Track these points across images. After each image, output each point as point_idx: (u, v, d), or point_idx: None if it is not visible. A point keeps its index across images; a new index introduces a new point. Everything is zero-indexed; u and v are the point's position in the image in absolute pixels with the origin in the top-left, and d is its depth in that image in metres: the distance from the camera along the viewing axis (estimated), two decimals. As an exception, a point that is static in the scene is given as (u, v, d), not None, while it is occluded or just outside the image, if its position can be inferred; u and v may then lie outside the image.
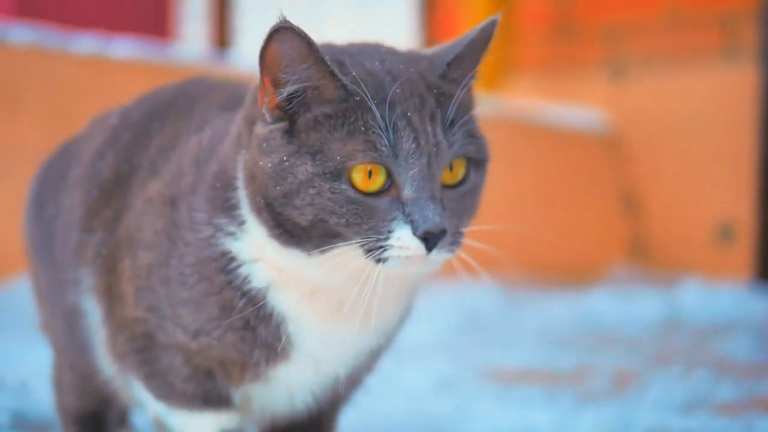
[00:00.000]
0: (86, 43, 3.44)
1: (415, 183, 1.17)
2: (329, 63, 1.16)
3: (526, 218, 4.93)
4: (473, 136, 1.23)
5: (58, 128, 3.31)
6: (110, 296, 1.39)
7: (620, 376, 2.41)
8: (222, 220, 1.27)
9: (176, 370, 1.34)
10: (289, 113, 1.19)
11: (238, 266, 1.27)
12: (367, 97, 1.17)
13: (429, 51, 1.30)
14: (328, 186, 1.17)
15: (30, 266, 1.63)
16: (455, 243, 1.21)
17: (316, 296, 1.27)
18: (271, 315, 1.27)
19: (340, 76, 1.17)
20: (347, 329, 1.28)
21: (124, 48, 3.53)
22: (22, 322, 2.78)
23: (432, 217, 1.16)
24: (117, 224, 1.39)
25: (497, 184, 4.85)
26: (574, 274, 4.84)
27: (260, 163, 1.20)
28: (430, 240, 1.16)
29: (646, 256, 5.19)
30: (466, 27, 5.34)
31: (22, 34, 3.30)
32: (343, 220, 1.17)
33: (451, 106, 1.20)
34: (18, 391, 2.16)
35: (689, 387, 2.24)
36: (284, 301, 1.27)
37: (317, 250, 1.19)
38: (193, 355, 1.32)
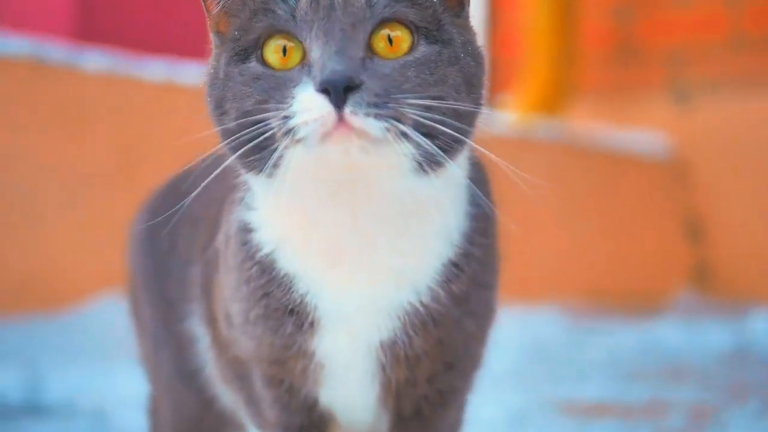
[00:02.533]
0: (156, 69, 3.47)
1: (318, 41, 1.07)
2: None
3: (587, 244, 4.89)
4: (419, 5, 1.12)
5: (127, 154, 3.34)
6: (212, 324, 1.39)
7: (697, 411, 2.37)
8: (242, 194, 1.26)
9: (261, 391, 1.32)
10: (226, 29, 1.17)
11: (252, 236, 1.24)
12: None
13: None
14: (237, 70, 1.12)
15: (131, 296, 1.64)
16: (385, 106, 1.06)
17: (314, 243, 1.20)
18: (283, 278, 1.23)
19: None
20: (357, 276, 1.21)
21: (192, 73, 3.55)
22: (96, 347, 2.82)
23: (332, 66, 1.04)
24: (209, 248, 1.40)
25: (558, 209, 4.87)
26: (637, 301, 4.80)
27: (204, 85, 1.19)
28: (332, 92, 1.04)
29: (711, 283, 5.13)
30: (528, 47, 5.34)
31: (94, 59, 3.34)
32: (252, 101, 1.10)
33: None
34: (94, 417, 2.19)
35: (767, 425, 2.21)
36: (290, 260, 1.22)
37: (266, 165, 1.11)
38: (258, 361, 1.30)
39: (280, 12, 1.10)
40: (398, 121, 1.07)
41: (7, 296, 3.11)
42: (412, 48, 1.10)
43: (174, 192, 1.58)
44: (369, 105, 1.05)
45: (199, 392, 1.48)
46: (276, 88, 1.09)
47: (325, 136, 1.06)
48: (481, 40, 1.25)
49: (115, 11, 3.72)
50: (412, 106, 1.08)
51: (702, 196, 5.19)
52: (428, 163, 1.12)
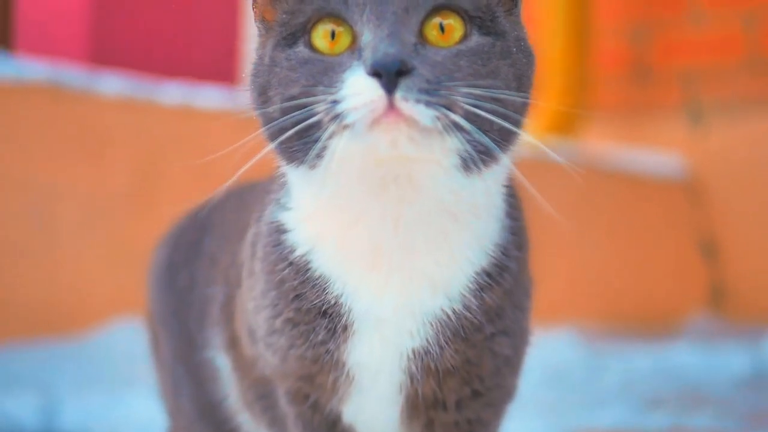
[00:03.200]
0: (173, 93, 3.47)
1: (370, 24, 1.05)
2: None
3: (602, 265, 4.88)
4: None
5: (144, 178, 3.35)
6: (234, 345, 1.38)
7: (717, 440, 2.37)
8: (278, 195, 1.25)
9: (285, 408, 1.31)
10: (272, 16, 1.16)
11: (286, 237, 1.23)
12: None
13: None
14: (284, 55, 1.11)
15: (150, 333, 1.64)
16: (436, 93, 1.04)
17: (353, 242, 1.18)
18: (317, 279, 1.21)
19: None
20: (393, 279, 1.19)
21: (209, 97, 3.56)
22: (112, 373, 2.81)
23: (384, 48, 1.03)
24: (232, 268, 1.39)
25: (573, 230, 4.82)
26: (653, 322, 4.77)
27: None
28: (384, 76, 1.02)
29: (727, 305, 5.10)
30: (543, 68, 5.33)
31: (110, 83, 3.35)
32: (299, 86, 1.08)
33: None
34: (110, 446, 2.18)
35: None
36: (325, 260, 1.21)
37: (309, 154, 1.09)
38: (282, 376, 1.28)
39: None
40: (449, 109, 1.05)
41: (23, 321, 3.11)
42: (464, 37, 1.09)
43: (193, 226, 1.59)
44: (420, 91, 1.03)
45: (220, 426, 1.48)
46: (324, 72, 1.07)
47: (374, 123, 1.04)
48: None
49: (131, 35, 3.73)
50: (463, 95, 1.06)
51: (717, 216, 5.17)
52: (474, 160, 1.11)
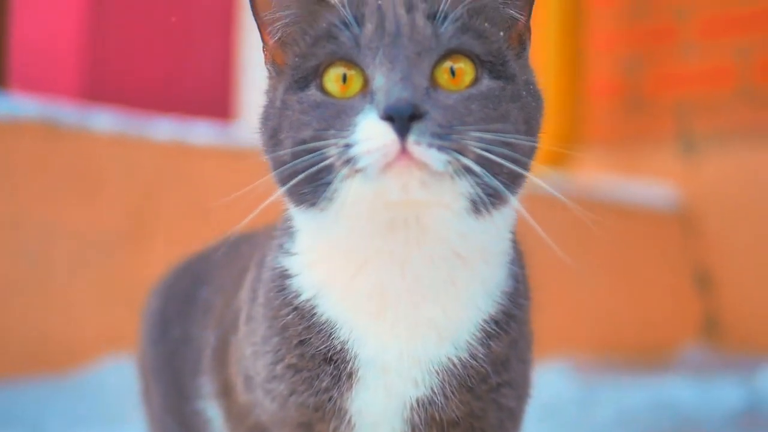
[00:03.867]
0: (165, 129, 3.47)
1: (383, 67, 1.06)
2: None
3: (595, 296, 4.87)
4: (485, 38, 1.12)
5: (137, 215, 3.34)
6: (227, 393, 1.38)
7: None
8: (282, 240, 1.24)
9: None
10: (283, 57, 1.17)
11: (290, 282, 1.23)
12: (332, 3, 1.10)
13: None
14: (296, 98, 1.11)
15: (142, 383, 1.63)
16: (447, 137, 1.05)
17: (360, 287, 1.18)
18: (323, 324, 1.21)
19: None
20: (401, 325, 1.19)
21: (201, 133, 3.56)
22: (104, 410, 2.80)
23: (398, 92, 1.03)
24: (227, 312, 1.39)
25: (566, 261, 4.80)
26: (647, 353, 4.77)
27: (258, 118, 1.19)
28: (397, 120, 1.02)
29: (720, 336, 5.10)
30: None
31: (103, 120, 3.34)
32: (310, 129, 1.08)
33: (443, 2, 1.09)
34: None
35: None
36: (331, 305, 1.21)
37: (321, 197, 1.10)
38: (281, 423, 1.27)
39: (343, 39, 1.09)
40: (461, 154, 1.06)
41: (16, 359, 3.10)
42: (475, 81, 1.10)
43: (186, 276, 1.58)
44: (433, 135, 1.04)
45: None
46: (336, 116, 1.07)
47: (387, 167, 1.04)
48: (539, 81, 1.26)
49: (125, 71, 3.74)
50: (474, 140, 1.07)
51: (711, 247, 5.17)
52: (484, 203, 1.12)
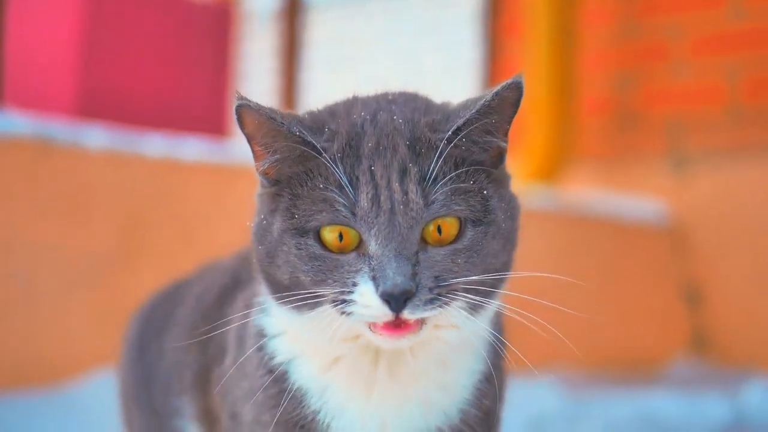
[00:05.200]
0: (157, 145, 3.50)
1: (379, 239, 1.11)
2: (295, 128, 1.15)
3: (585, 310, 4.88)
4: (469, 193, 1.17)
5: (128, 232, 3.35)
6: (208, 418, 1.40)
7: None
8: (260, 298, 1.27)
9: None
10: (276, 177, 1.20)
11: (267, 342, 1.26)
12: (324, 156, 1.14)
13: (452, 105, 1.25)
14: (294, 242, 1.15)
15: (123, 410, 1.65)
16: (437, 299, 1.13)
17: (336, 368, 1.22)
18: (293, 390, 1.24)
19: (309, 137, 1.15)
20: (382, 404, 1.23)
21: (193, 149, 3.57)
22: (92, 426, 2.81)
23: (393, 277, 1.10)
24: (210, 340, 1.41)
25: (555, 276, 4.77)
26: (635, 368, 4.79)
27: (252, 224, 1.22)
28: (392, 302, 1.10)
29: (709, 350, 5.12)
30: (527, 115, 5.39)
31: (95, 136, 3.36)
32: (309, 277, 1.14)
33: (433, 162, 1.14)
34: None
35: None
36: (304, 374, 1.24)
37: (305, 308, 1.16)
38: None
39: (339, 207, 1.13)
40: (448, 304, 1.14)
41: (6, 374, 3.10)
42: (459, 234, 1.16)
43: (163, 301, 1.61)
44: (425, 303, 1.12)
45: None
46: (335, 269, 1.13)
47: (377, 327, 1.12)
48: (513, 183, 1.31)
49: (118, 88, 3.76)
50: (461, 289, 1.15)
51: (700, 263, 5.20)
52: (468, 318, 1.20)
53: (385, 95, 1.27)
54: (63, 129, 3.29)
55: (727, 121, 5.16)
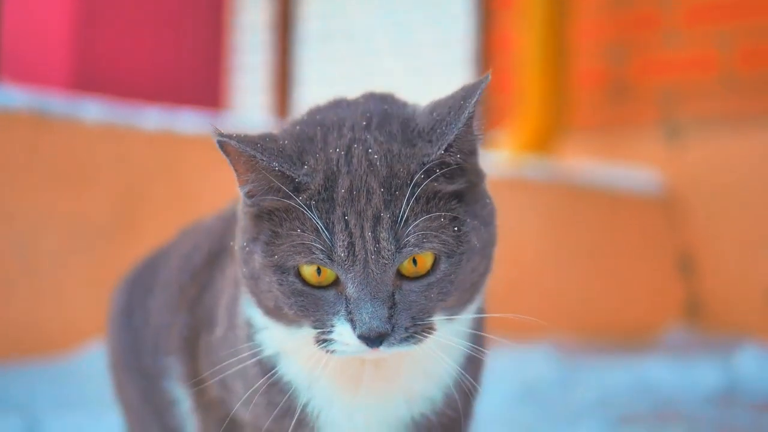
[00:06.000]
0: (153, 118, 3.51)
1: (354, 284, 1.15)
2: (275, 163, 1.17)
3: (580, 280, 4.92)
4: (441, 228, 1.18)
5: (125, 204, 3.38)
6: (195, 382, 1.42)
7: (685, 457, 2.41)
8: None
9: None
10: (257, 202, 1.22)
11: (255, 334, 1.29)
12: (299, 203, 1.16)
13: (426, 120, 1.23)
14: (276, 278, 1.18)
15: (115, 380, 1.67)
16: (413, 336, 1.17)
17: (322, 365, 1.24)
18: (283, 383, 1.28)
19: (289, 172, 1.17)
20: (363, 397, 1.27)
21: (189, 122, 3.59)
22: (91, 394, 2.83)
23: (369, 321, 1.13)
24: (199, 303, 1.43)
25: (550, 246, 4.85)
26: (629, 336, 4.83)
27: (236, 241, 1.25)
28: (369, 341, 1.14)
29: (702, 318, 5.16)
30: (521, 86, 5.40)
31: (92, 110, 3.38)
32: (293, 310, 1.18)
33: (404, 204, 1.15)
34: (91, 467, 2.21)
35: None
36: (292, 369, 1.27)
37: (292, 327, 1.21)
38: (254, 428, 1.33)
39: (317, 252, 1.15)
40: (425, 338, 1.18)
41: (6, 344, 3.14)
42: (434, 266, 1.18)
43: (147, 266, 1.63)
44: (401, 341, 1.16)
45: None
46: (315, 304, 1.17)
47: (361, 354, 1.18)
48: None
49: (114, 61, 3.77)
50: (437, 321, 1.19)
51: (693, 231, 5.23)
52: (459, 309, 1.25)
53: (361, 115, 1.25)
54: (60, 102, 3.31)
55: (720, 90, 5.18)
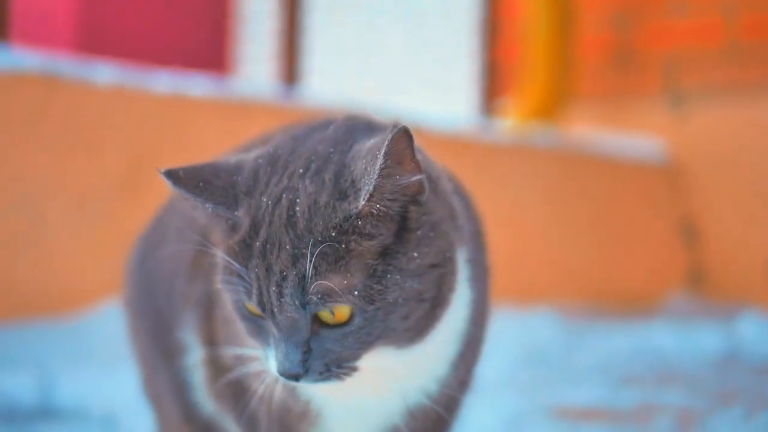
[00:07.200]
0: (164, 81, 3.54)
1: (273, 325, 1.18)
2: (209, 204, 1.21)
3: (583, 247, 4.96)
4: (352, 287, 1.16)
5: (136, 166, 3.41)
6: (210, 342, 1.46)
7: (684, 416, 2.43)
8: None
9: (263, 418, 1.39)
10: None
11: None
12: (232, 246, 1.20)
13: (358, 169, 1.20)
14: (230, 298, 1.24)
15: (132, 334, 1.70)
16: (329, 377, 1.19)
17: None
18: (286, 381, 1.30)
19: (223, 213, 1.21)
20: (362, 390, 1.28)
21: (200, 86, 3.62)
22: (103, 352, 2.88)
23: (283, 361, 1.17)
24: (215, 271, 1.46)
25: (555, 213, 4.89)
26: (632, 303, 4.87)
27: None
28: (285, 378, 1.19)
29: (705, 286, 5.20)
30: (526, 54, 5.41)
31: (103, 72, 3.40)
32: (245, 332, 1.24)
33: (308, 264, 1.15)
34: (104, 421, 2.26)
35: (752, 429, 2.27)
36: None
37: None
38: (267, 403, 1.36)
39: (242, 291, 1.20)
40: (346, 375, 1.20)
41: (19, 303, 3.17)
42: (351, 317, 1.17)
43: (161, 222, 1.66)
44: (316, 380, 1.19)
45: (194, 401, 1.55)
46: (257, 332, 1.22)
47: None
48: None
49: (122, 24, 3.78)
50: (351, 363, 1.20)
51: (697, 200, 5.26)
52: (409, 344, 1.23)
53: (306, 159, 1.24)
54: (71, 64, 3.33)
55: (724, 59, 5.19)
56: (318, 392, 1.30)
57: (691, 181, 5.27)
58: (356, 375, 1.22)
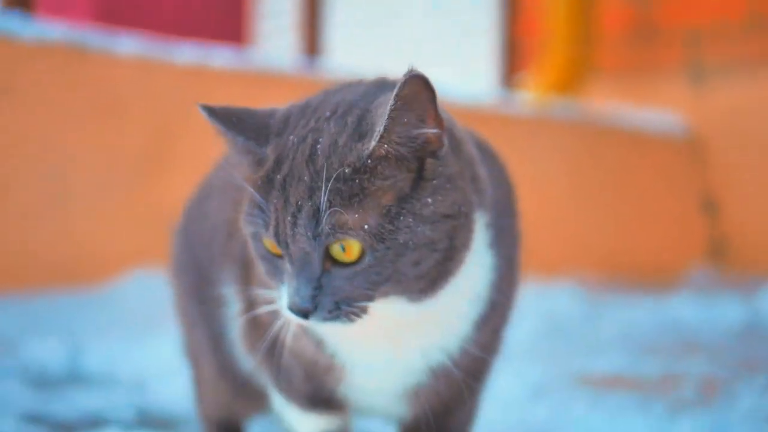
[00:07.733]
0: (187, 53, 3.55)
1: (287, 260, 1.21)
2: (240, 138, 1.24)
3: (605, 220, 4.96)
4: (363, 223, 1.18)
5: (159, 137, 3.43)
6: (247, 297, 1.48)
7: (708, 384, 2.44)
8: None
9: (294, 370, 1.43)
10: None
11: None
12: (256, 180, 1.23)
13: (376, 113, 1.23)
14: (251, 242, 1.26)
15: (176, 297, 1.73)
16: (339, 316, 1.21)
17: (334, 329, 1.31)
18: (311, 335, 1.35)
19: (252, 147, 1.24)
20: (385, 349, 1.32)
21: (222, 57, 3.63)
22: (130, 320, 2.91)
23: (293, 296, 1.20)
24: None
25: (576, 186, 4.89)
26: (653, 276, 4.87)
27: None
28: (295, 314, 1.20)
29: (726, 258, 5.20)
30: (547, 27, 5.40)
31: (127, 44, 3.42)
32: (264, 273, 1.26)
33: (323, 197, 1.18)
34: (135, 387, 2.28)
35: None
36: (315, 327, 1.31)
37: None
38: (297, 356, 1.40)
39: (261, 225, 1.22)
40: (355, 316, 1.21)
41: (49, 272, 3.20)
42: (361, 255, 1.19)
43: (204, 188, 1.68)
44: (325, 318, 1.20)
45: (231, 355, 1.58)
46: (273, 271, 1.24)
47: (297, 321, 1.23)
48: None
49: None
50: (361, 306, 1.21)
51: (717, 173, 5.25)
52: (413, 300, 1.24)
53: (335, 104, 1.27)
54: (95, 35, 3.34)
55: (745, 34, 5.17)
56: (340, 345, 1.33)
57: (712, 154, 5.26)
58: (375, 328, 1.25)
